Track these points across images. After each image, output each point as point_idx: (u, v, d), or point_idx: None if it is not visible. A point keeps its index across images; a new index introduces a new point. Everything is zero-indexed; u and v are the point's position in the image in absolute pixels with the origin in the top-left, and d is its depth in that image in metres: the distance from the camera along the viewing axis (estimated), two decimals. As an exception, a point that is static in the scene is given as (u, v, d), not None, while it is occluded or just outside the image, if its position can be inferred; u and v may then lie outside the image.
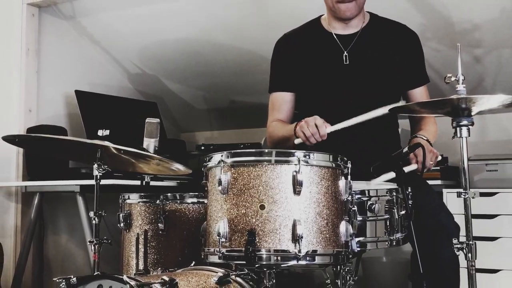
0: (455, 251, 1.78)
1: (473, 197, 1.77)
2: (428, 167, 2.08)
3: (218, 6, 3.29)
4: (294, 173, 1.64)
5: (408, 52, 2.34)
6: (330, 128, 2.05)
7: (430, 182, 2.80)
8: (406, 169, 1.97)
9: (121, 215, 2.28)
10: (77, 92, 3.42)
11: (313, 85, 2.34)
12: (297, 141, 2.09)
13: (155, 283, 1.75)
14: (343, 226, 1.71)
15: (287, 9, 3.11)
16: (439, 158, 2.18)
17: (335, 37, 2.33)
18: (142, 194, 2.30)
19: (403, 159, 1.91)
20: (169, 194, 2.25)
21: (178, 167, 2.20)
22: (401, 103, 2.04)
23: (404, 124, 2.45)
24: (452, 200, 2.98)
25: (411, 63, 2.35)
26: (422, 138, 2.21)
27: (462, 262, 1.84)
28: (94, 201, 2.13)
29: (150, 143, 2.18)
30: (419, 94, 2.36)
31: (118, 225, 2.30)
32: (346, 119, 2.09)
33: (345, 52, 2.30)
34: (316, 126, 2.02)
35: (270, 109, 2.42)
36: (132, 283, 1.71)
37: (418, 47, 2.38)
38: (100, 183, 2.13)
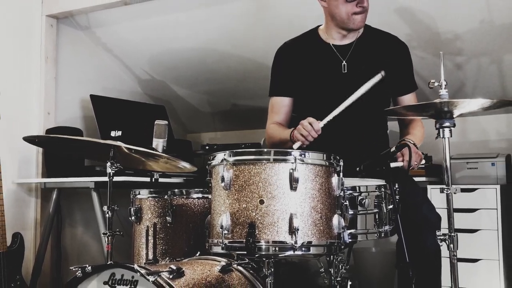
0: (438, 242, 1.78)
1: (455, 193, 1.78)
2: (413, 167, 2.07)
3: (222, 18, 3.29)
4: (291, 171, 1.64)
5: (399, 62, 2.33)
6: (322, 122, 2.04)
7: (416, 178, 2.81)
8: (393, 164, 1.95)
9: (132, 209, 2.28)
10: (92, 96, 3.42)
11: (312, 92, 2.32)
12: (296, 145, 2.08)
13: (163, 271, 1.75)
14: (335, 219, 1.71)
15: (287, 20, 3.11)
16: (423, 161, 2.17)
17: (332, 47, 2.32)
18: (151, 190, 2.30)
19: (391, 157, 1.91)
20: (176, 190, 2.25)
21: (185, 165, 2.20)
22: (380, 75, 2.07)
23: (392, 125, 2.45)
24: (435, 196, 2.98)
25: (401, 72, 2.34)
26: (410, 142, 2.20)
27: (445, 252, 1.84)
28: (108, 196, 2.12)
29: (158, 143, 2.18)
30: (408, 100, 2.35)
31: (130, 218, 2.30)
32: (343, 124, 2.08)
33: (344, 61, 2.29)
34: (310, 123, 2.02)
35: (270, 111, 2.42)
36: (142, 271, 1.71)
37: (407, 57, 2.37)
38: (113, 179, 2.12)
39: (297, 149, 2.07)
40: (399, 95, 2.35)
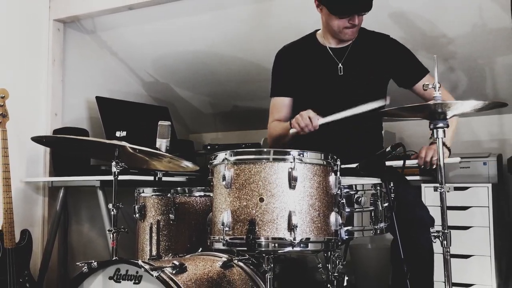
0: (432, 240, 1.78)
1: (448, 191, 1.77)
2: (432, 163, 2.08)
3: (223, 22, 3.29)
4: (290, 170, 1.63)
5: (394, 56, 2.32)
6: (322, 120, 2.04)
7: (410, 177, 2.81)
8: (409, 162, 1.98)
9: (136, 206, 2.28)
10: (97, 98, 3.42)
11: (310, 93, 2.33)
12: (292, 131, 2.08)
13: (166, 267, 1.75)
14: (333, 217, 1.71)
15: (285, 25, 3.11)
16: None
17: (329, 50, 2.32)
18: (155, 188, 2.30)
19: (386, 157, 1.91)
20: (179, 188, 2.25)
21: (187, 164, 2.20)
22: (387, 100, 2.05)
23: (387, 126, 2.45)
24: (429, 194, 2.98)
25: (402, 64, 2.32)
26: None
27: (438, 248, 1.84)
28: (113, 194, 2.12)
29: (162, 143, 2.18)
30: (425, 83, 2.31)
31: (134, 215, 2.30)
32: (340, 124, 2.08)
33: (340, 64, 2.30)
34: (309, 118, 2.03)
35: (271, 111, 2.42)
36: (146, 266, 1.71)
37: (401, 49, 2.34)
38: (118, 178, 2.12)
39: (292, 134, 2.07)
40: (413, 84, 2.32)
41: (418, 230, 2.03)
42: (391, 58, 2.31)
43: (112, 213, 2.12)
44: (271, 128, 2.38)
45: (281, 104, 2.39)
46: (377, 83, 2.29)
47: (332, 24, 2.24)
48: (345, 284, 1.97)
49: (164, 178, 2.58)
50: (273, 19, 3.18)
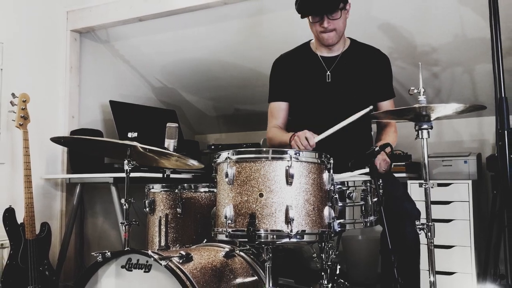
0: (417, 231, 1.78)
1: (432, 187, 1.77)
2: (380, 172, 2.01)
3: (225, 33, 3.29)
4: (287, 168, 1.63)
5: (380, 72, 2.33)
6: (317, 138, 2.04)
7: (397, 175, 2.80)
8: (359, 171, 1.90)
9: (146, 201, 2.28)
10: (111, 102, 3.42)
11: (302, 99, 2.33)
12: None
13: (174, 256, 1.75)
14: (326, 211, 1.71)
15: (281, 35, 3.11)
16: (392, 166, 2.12)
17: (320, 59, 2.32)
18: (163, 184, 2.30)
19: (375, 156, 1.91)
20: (185, 184, 2.25)
21: (193, 162, 2.20)
22: (369, 108, 2.06)
23: (376, 127, 2.45)
24: (415, 190, 2.98)
25: (381, 81, 2.34)
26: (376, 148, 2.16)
27: (423, 239, 1.84)
28: (125, 190, 2.12)
29: (170, 143, 2.18)
30: (386, 106, 2.35)
31: (144, 209, 2.30)
32: (329, 127, 2.08)
33: (328, 71, 2.29)
34: (306, 138, 2.03)
35: (269, 115, 2.42)
36: (156, 256, 1.71)
37: (388, 68, 2.37)
38: (130, 175, 2.13)
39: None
40: (379, 101, 2.35)
41: (405, 223, 2.03)
42: (376, 70, 2.32)
43: (124, 207, 2.12)
44: (271, 134, 2.37)
45: (278, 109, 2.39)
46: (363, 91, 2.29)
47: (312, 31, 2.26)
48: (337, 272, 1.97)
49: (172, 175, 2.58)
50: (267, 30, 3.18)
